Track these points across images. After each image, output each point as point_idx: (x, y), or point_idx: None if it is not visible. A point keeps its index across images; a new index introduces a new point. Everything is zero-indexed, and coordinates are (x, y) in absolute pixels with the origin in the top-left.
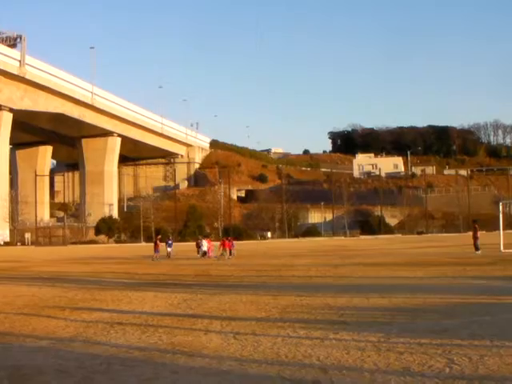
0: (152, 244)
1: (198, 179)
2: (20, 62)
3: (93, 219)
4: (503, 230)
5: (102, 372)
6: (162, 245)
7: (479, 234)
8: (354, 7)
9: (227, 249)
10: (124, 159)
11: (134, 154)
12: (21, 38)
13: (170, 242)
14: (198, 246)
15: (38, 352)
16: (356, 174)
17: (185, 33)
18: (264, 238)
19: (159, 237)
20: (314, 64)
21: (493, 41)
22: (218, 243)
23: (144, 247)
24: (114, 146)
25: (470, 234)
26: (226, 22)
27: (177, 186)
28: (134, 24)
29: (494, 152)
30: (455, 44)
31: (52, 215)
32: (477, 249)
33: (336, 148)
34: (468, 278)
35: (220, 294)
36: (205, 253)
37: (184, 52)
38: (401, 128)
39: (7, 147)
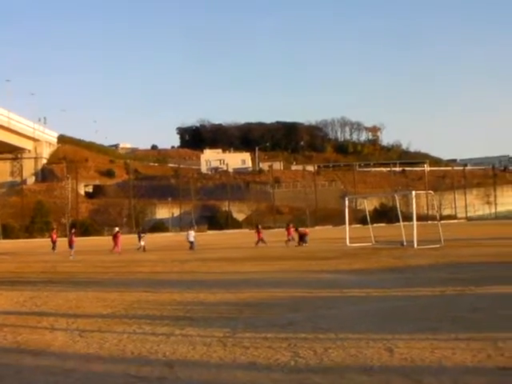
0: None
1: (45, 175)
2: None
3: None
4: (349, 224)
5: None
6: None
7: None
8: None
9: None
10: None
11: None
12: None
13: (142, 234)
14: (53, 242)
15: None
16: (204, 169)
17: (29, 24)
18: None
19: (74, 231)
20: (162, 58)
21: (341, 40)
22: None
23: None
24: None
25: (318, 228)
26: (70, 14)
27: (24, 182)
28: None
29: (341, 148)
30: (306, 42)
31: None
32: (288, 240)
33: (184, 143)
34: (314, 272)
35: (66, 290)
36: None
37: (30, 45)
38: (249, 124)
39: None
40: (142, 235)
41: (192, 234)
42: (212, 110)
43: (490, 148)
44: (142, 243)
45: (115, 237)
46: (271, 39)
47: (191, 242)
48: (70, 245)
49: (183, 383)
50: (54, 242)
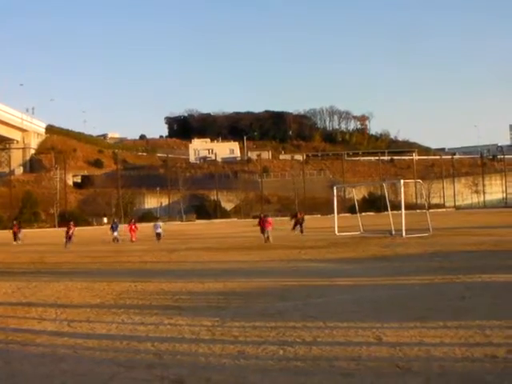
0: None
1: (33, 165)
2: None
3: None
4: (338, 213)
5: None
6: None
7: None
8: None
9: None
10: None
11: None
12: None
13: (114, 225)
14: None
15: None
16: (192, 159)
17: (18, 14)
18: (100, 223)
19: (71, 223)
20: (150, 47)
21: (330, 30)
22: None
23: None
24: None
25: (306, 217)
26: (62, 7)
27: (12, 172)
28: None
29: (330, 137)
30: (294, 32)
31: None
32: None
33: (172, 133)
34: (303, 261)
35: (55, 281)
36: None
37: (19, 35)
38: (237, 113)
39: None
40: (118, 224)
41: (159, 225)
42: (200, 100)
43: (479, 137)
44: (115, 234)
45: (131, 226)
46: (260, 29)
47: (158, 234)
48: (69, 237)
49: (172, 372)
50: (14, 234)
